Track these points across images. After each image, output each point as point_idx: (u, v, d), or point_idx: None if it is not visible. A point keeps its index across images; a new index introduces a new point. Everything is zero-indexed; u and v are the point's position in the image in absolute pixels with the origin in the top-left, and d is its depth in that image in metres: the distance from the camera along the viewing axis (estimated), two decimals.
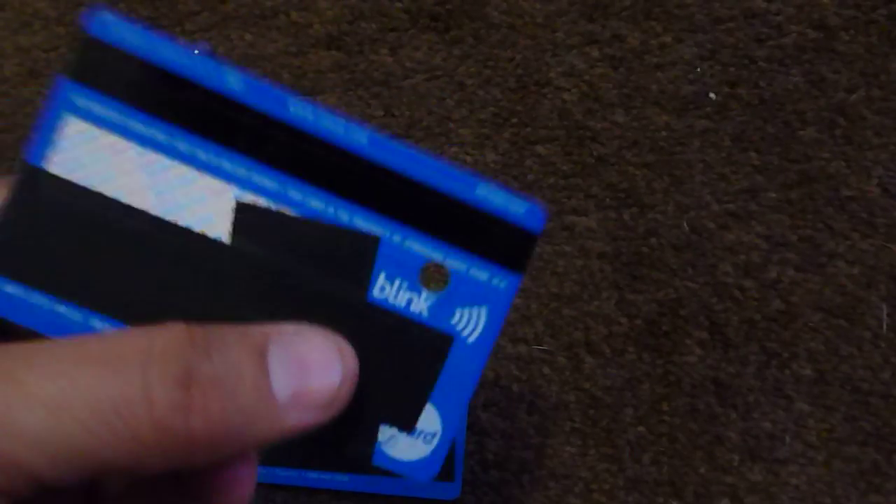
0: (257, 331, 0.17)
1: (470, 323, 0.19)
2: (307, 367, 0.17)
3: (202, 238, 0.18)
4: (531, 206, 0.19)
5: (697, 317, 0.38)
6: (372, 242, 0.18)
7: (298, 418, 0.17)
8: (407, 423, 0.19)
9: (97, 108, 0.17)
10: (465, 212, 0.18)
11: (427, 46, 0.42)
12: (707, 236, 0.39)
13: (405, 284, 0.18)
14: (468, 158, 0.41)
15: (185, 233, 0.18)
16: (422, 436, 0.19)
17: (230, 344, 0.16)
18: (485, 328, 0.19)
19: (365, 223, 0.18)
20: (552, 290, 0.39)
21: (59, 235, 0.17)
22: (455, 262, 0.18)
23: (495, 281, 0.19)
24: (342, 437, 0.18)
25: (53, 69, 0.43)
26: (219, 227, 0.18)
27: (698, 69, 0.41)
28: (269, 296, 0.18)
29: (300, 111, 0.18)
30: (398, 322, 0.18)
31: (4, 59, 0.43)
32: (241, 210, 0.18)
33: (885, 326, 0.38)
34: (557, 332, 0.39)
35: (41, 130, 0.17)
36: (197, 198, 0.18)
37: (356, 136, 0.18)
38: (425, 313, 0.19)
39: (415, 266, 0.18)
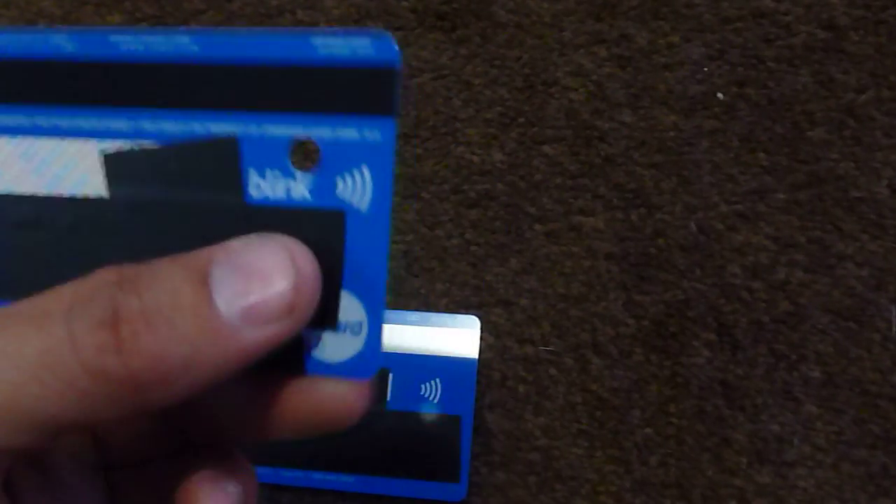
0: (200, 253, 0.16)
1: (357, 189, 0.17)
2: (252, 278, 0.15)
3: (85, 201, 0.18)
4: (377, 40, 0.17)
5: (705, 318, 0.38)
6: (230, 144, 0.17)
7: (255, 336, 0.15)
8: (327, 320, 0.17)
9: None
10: (310, 74, 0.17)
11: (433, 45, 0.42)
12: (715, 237, 0.39)
13: (278, 173, 0.17)
14: (475, 158, 0.40)
15: (71, 202, 0.18)
16: (348, 329, 0.17)
17: (165, 274, 0.15)
18: (374, 189, 0.17)
19: (219, 126, 0.17)
20: (559, 290, 0.39)
21: None
22: (319, 130, 0.17)
23: (366, 133, 0.17)
24: (268, 355, 0.17)
25: None
26: (95, 184, 0.18)
27: (706, 69, 0.40)
28: (160, 234, 0.18)
29: (129, 45, 0.17)
30: (283, 215, 0.17)
31: None
32: (108, 161, 0.18)
33: (894, 328, 0.37)
34: (564, 333, 0.38)
35: None
36: (69, 164, 0.18)
37: (181, 41, 0.17)
38: (308, 196, 0.17)
39: (281, 150, 0.17)
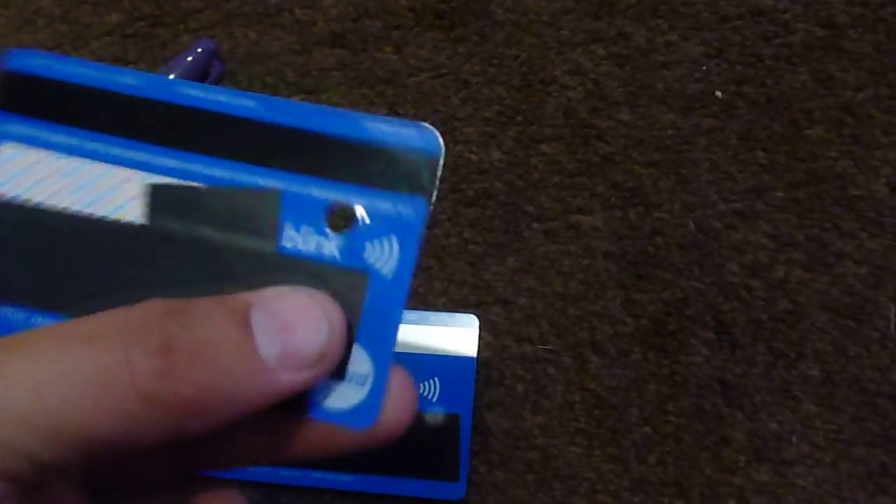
0: (237, 297, 0.17)
1: (383, 255, 0.19)
2: (292, 326, 0.17)
3: (117, 224, 0.19)
4: (420, 129, 0.19)
5: (704, 317, 0.38)
6: (273, 196, 0.19)
7: (290, 378, 0.16)
8: (336, 369, 0.18)
9: (21, 129, 0.20)
10: (358, 149, 0.19)
11: (432, 44, 0.42)
12: (713, 236, 0.39)
13: (312, 230, 0.19)
14: (473, 157, 0.40)
15: (105, 223, 0.19)
16: (354, 379, 0.19)
17: (209, 311, 0.16)
18: (399, 258, 0.19)
19: (265, 180, 0.19)
20: (557, 289, 0.39)
21: None
22: (357, 199, 0.19)
23: (400, 208, 0.19)
24: None
25: None
26: (133, 211, 0.19)
27: (705, 67, 0.40)
28: (189, 267, 0.19)
29: (189, 91, 0.19)
30: (311, 267, 0.19)
31: None
32: (152, 190, 0.19)
33: (892, 327, 0.37)
34: (562, 332, 0.38)
35: None
36: (111, 189, 0.19)
37: (244, 102, 0.19)
38: (337, 255, 0.19)
39: (319, 210, 0.19)
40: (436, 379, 0.37)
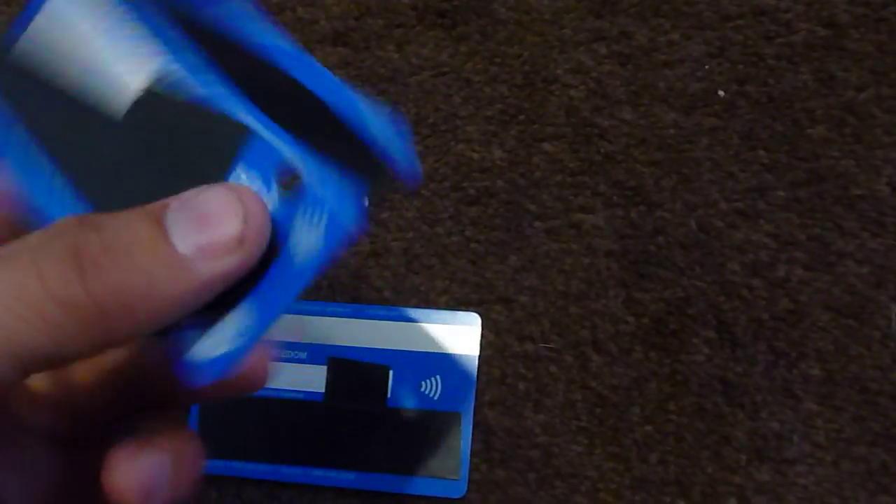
0: (155, 203, 0.17)
1: (309, 232, 0.18)
2: (206, 216, 0.17)
3: (102, 117, 0.19)
4: (407, 161, 0.19)
5: (705, 316, 0.38)
6: (240, 130, 0.19)
7: (210, 267, 0.16)
8: (216, 310, 0.18)
9: None
10: (338, 124, 0.19)
11: (434, 43, 0.42)
12: (715, 235, 0.39)
13: (258, 177, 0.19)
14: (475, 155, 0.40)
15: (94, 113, 0.19)
16: (226, 331, 0.18)
17: (123, 217, 0.17)
18: (323, 242, 0.18)
19: (244, 115, 0.19)
20: (559, 288, 0.39)
21: (40, 104, 0.20)
22: (311, 168, 0.19)
23: (346, 205, 0.18)
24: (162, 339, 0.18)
25: None
26: (127, 95, 0.19)
27: (707, 66, 0.40)
28: (145, 170, 0.19)
29: (246, 25, 0.20)
30: None
31: None
32: (142, 96, 0.19)
33: (894, 326, 0.37)
34: (564, 331, 0.38)
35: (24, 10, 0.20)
36: (127, 55, 0.20)
37: (279, 42, 0.20)
38: (269, 207, 0.19)
39: (273, 162, 0.19)
40: (437, 377, 0.37)
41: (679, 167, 0.39)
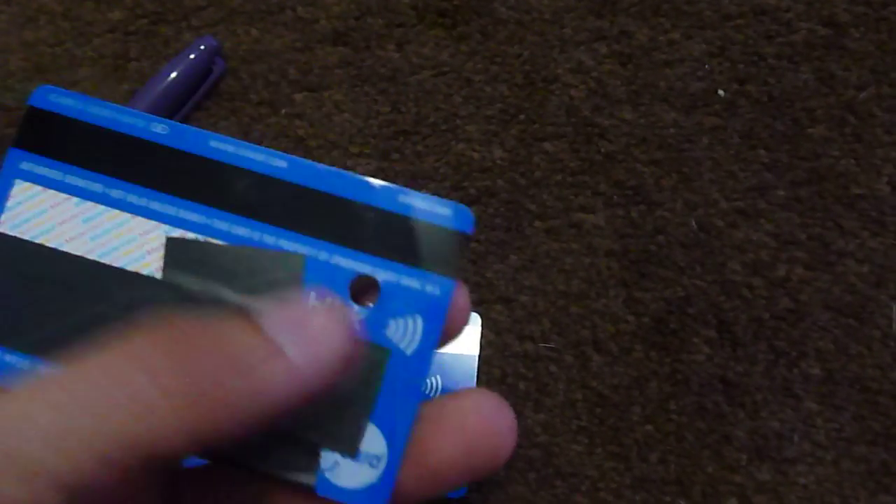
0: (247, 308, 0.17)
1: (406, 334, 0.18)
2: (304, 321, 0.17)
3: (134, 275, 0.19)
4: (456, 208, 0.18)
5: (705, 315, 0.38)
6: (298, 262, 0.18)
7: (310, 369, 0.16)
8: (349, 447, 0.18)
9: (40, 169, 0.19)
10: (390, 221, 0.18)
11: (434, 42, 0.42)
12: (715, 234, 0.39)
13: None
14: (475, 155, 0.40)
15: (118, 272, 0.19)
16: (367, 459, 0.18)
17: (219, 319, 0.16)
18: (422, 338, 0.18)
19: (290, 244, 0.18)
20: (559, 287, 0.39)
21: (5, 286, 0.19)
22: (384, 274, 0.18)
23: (428, 288, 0.18)
24: (283, 464, 0.18)
25: (59, 64, 0.43)
26: (151, 264, 0.19)
27: (707, 66, 0.40)
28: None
29: (220, 146, 0.19)
30: None
31: (10, 53, 0.43)
32: (171, 244, 0.19)
33: (894, 325, 0.37)
34: (564, 330, 0.38)
35: None
36: (130, 239, 0.19)
37: (275, 161, 0.19)
38: (359, 328, 0.18)
39: (343, 282, 0.18)
40: (438, 377, 0.37)
41: (679, 166, 0.39)
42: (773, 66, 0.40)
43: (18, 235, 0.19)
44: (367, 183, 0.19)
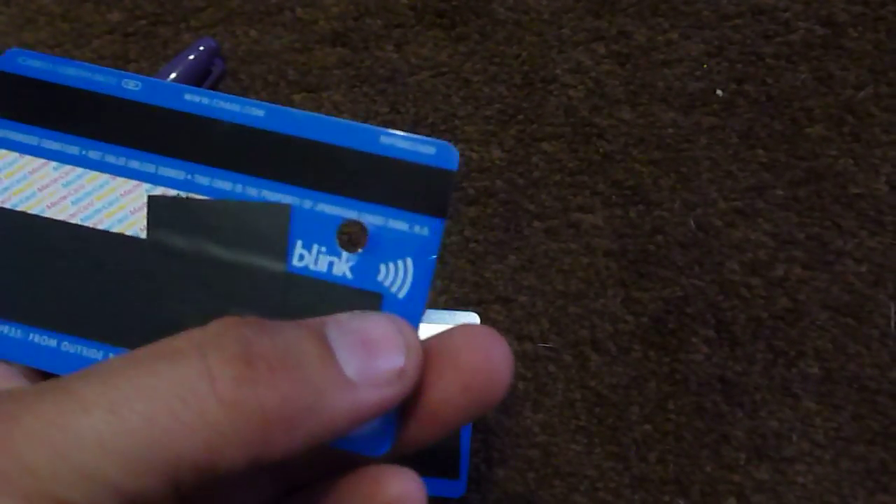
0: (311, 319, 0.17)
1: (398, 277, 0.18)
2: (370, 342, 0.16)
3: (119, 237, 0.18)
4: (440, 146, 0.18)
5: (704, 315, 0.38)
6: (283, 212, 0.18)
7: (372, 394, 0.16)
8: None
9: (15, 135, 0.19)
10: (373, 164, 0.18)
11: (433, 43, 0.42)
12: (714, 234, 0.39)
13: (324, 249, 0.18)
14: (474, 155, 0.40)
15: (103, 235, 0.18)
16: None
17: (285, 326, 0.16)
18: (413, 280, 0.18)
19: (274, 195, 0.18)
20: (558, 287, 0.39)
21: None
22: (371, 217, 0.18)
23: (416, 229, 0.18)
24: None
25: None
26: (135, 224, 0.18)
27: (705, 66, 0.40)
28: (193, 285, 0.18)
29: (195, 98, 0.18)
30: (322, 287, 0.18)
31: None
32: (153, 203, 0.18)
33: (892, 325, 0.37)
34: (563, 330, 0.38)
35: None
36: (112, 200, 0.19)
37: (252, 111, 0.18)
38: (349, 274, 0.18)
39: (331, 228, 0.18)
40: None
41: (678, 166, 0.39)
42: (771, 65, 0.40)
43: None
44: (347, 125, 0.18)
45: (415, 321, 0.18)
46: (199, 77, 0.41)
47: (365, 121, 0.41)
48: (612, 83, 0.41)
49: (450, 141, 0.41)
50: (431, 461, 0.37)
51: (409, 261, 0.18)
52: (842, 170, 0.39)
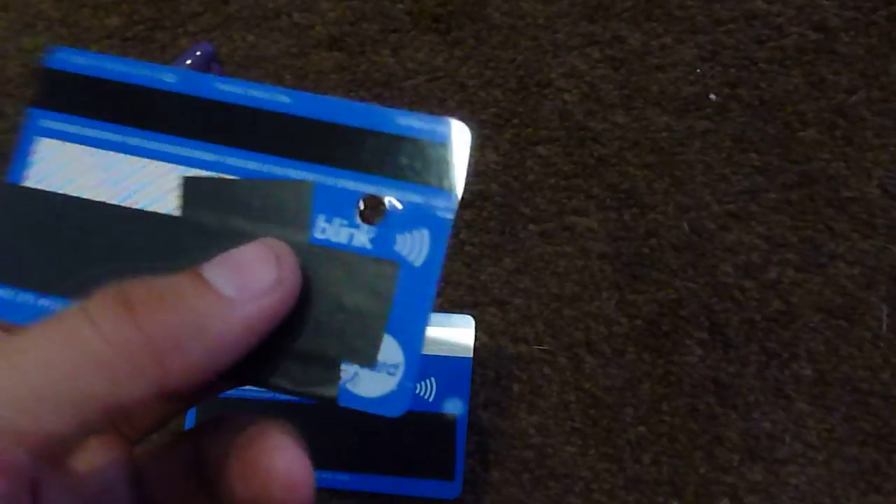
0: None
1: (414, 247, 0.19)
2: (242, 265, 0.18)
3: (154, 215, 0.20)
4: (453, 124, 0.20)
5: (698, 317, 0.38)
6: (306, 187, 0.20)
7: (255, 306, 0.17)
8: (367, 358, 0.19)
9: (59, 125, 0.21)
10: (390, 143, 0.20)
11: (428, 47, 0.42)
12: (707, 237, 0.39)
13: (345, 222, 0.19)
14: (469, 159, 0.41)
15: (140, 213, 0.20)
16: (385, 369, 0.19)
17: (161, 278, 0.17)
18: (430, 250, 0.19)
19: (298, 173, 0.20)
20: (553, 290, 0.39)
21: (38, 236, 0.20)
22: (389, 192, 0.20)
23: (432, 202, 0.19)
24: (305, 380, 0.19)
25: None
26: (169, 203, 0.20)
27: (699, 70, 0.41)
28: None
29: (227, 88, 0.20)
30: (343, 257, 0.19)
31: (7, 60, 0.43)
32: (186, 183, 0.20)
33: (884, 327, 0.38)
34: (558, 333, 0.39)
35: (17, 153, 0.20)
36: (147, 182, 0.20)
37: (279, 97, 0.20)
38: (368, 245, 0.19)
39: (351, 202, 0.20)
40: (432, 379, 0.38)
41: (671, 170, 0.40)
42: (764, 70, 0.40)
43: (45, 189, 0.20)
44: (366, 108, 0.20)
45: (431, 288, 0.19)
46: None
47: None
48: (606, 87, 0.41)
49: None
50: (427, 463, 0.37)
51: (426, 231, 0.19)
52: (834, 173, 0.39)
